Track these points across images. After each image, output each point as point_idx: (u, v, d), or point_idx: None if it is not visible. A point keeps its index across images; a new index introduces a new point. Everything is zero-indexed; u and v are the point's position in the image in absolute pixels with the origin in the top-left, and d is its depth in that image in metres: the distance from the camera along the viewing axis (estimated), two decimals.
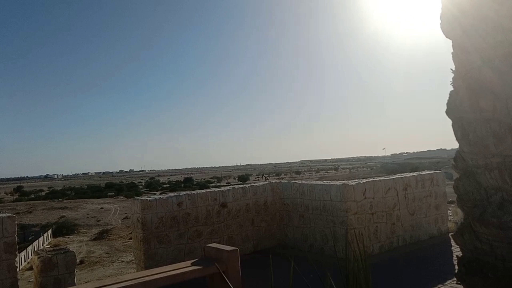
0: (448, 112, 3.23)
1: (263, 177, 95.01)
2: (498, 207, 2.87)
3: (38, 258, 5.80)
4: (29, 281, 8.32)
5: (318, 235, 7.70)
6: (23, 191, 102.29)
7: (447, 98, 3.24)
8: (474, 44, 2.98)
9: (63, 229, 28.69)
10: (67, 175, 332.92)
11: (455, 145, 3.25)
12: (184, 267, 4.94)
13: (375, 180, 7.69)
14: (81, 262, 12.89)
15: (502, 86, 2.80)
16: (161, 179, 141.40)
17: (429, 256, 7.02)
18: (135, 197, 8.12)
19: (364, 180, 7.67)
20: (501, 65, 2.80)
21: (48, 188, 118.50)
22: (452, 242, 6.98)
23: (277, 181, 8.90)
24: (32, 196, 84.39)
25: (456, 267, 3.26)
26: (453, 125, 3.21)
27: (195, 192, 7.72)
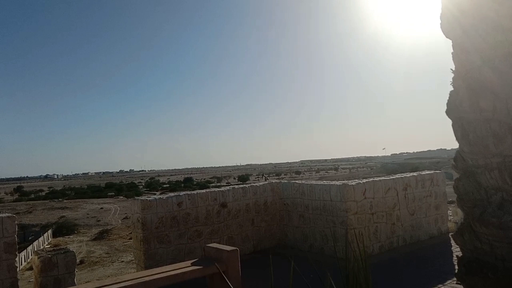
0: (448, 112, 3.23)
1: (263, 177, 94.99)
2: (498, 207, 2.87)
3: (38, 258, 5.80)
4: (29, 281, 8.32)
5: (318, 235, 7.70)
6: (23, 191, 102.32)
7: (447, 98, 3.23)
8: (474, 44, 2.98)
9: (63, 229, 28.72)
10: (67, 175, 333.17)
11: (455, 145, 3.25)
12: (184, 267, 4.94)
13: (375, 180, 7.69)
14: (81, 262, 12.89)
15: (502, 86, 2.80)
16: (161, 179, 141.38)
17: (429, 256, 7.01)
18: (135, 197, 8.12)
19: (364, 180, 7.66)
20: (501, 65, 2.80)
21: (48, 188, 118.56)
22: (452, 242, 6.98)
23: (277, 181, 8.89)
24: (32, 196, 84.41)
25: (456, 267, 3.26)
26: (453, 125, 3.21)
27: (195, 192, 7.72)
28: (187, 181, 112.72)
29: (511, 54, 2.76)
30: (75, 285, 5.67)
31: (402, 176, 8.25)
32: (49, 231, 26.84)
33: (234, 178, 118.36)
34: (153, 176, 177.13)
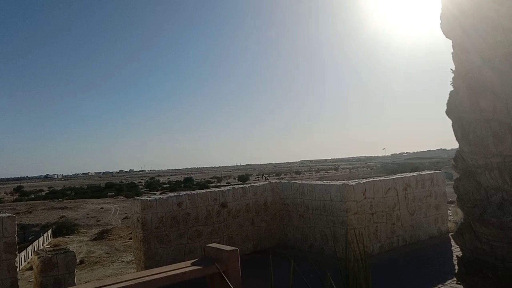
0: (448, 112, 3.23)
1: (263, 177, 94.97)
2: (498, 207, 2.87)
3: (38, 258, 5.80)
4: (29, 281, 8.32)
5: (318, 235, 7.70)
6: (23, 191, 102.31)
7: (447, 98, 3.23)
8: (474, 44, 2.98)
9: (63, 229, 28.73)
10: (67, 175, 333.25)
11: (455, 145, 3.25)
12: (184, 267, 4.94)
13: (375, 180, 7.69)
14: (81, 262, 12.89)
15: (502, 86, 2.80)
16: (161, 179, 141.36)
17: (429, 256, 7.01)
18: (135, 197, 8.12)
19: (364, 180, 7.66)
20: (501, 65, 2.80)
21: (48, 188, 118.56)
22: (452, 242, 6.98)
23: (277, 181, 8.89)
24: (32, 196, 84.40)
25: (456, 267, 3.26)
26: (453, 125, 3.21)
27: (195, 192, 7.72)
28: (187, 181, 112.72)
29: (511, 54, 2.76)
30: (75, 285, 5.66)
31: (402, 176, 8.25)
32: (49, 231, 26.84)
33: (234, 178, 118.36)
34: (153, 176, 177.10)
